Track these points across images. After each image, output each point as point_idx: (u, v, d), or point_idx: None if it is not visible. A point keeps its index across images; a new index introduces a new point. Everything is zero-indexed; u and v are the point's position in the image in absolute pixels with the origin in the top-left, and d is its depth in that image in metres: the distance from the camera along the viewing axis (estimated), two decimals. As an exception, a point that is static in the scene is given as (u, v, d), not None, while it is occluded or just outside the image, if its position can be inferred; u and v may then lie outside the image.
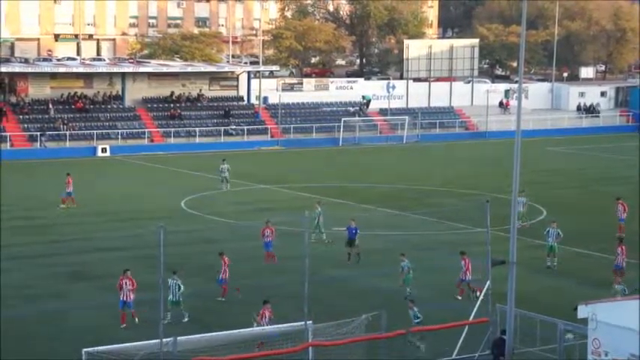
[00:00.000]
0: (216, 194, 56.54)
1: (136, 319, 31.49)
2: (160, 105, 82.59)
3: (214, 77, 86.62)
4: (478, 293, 34.07)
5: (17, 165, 65.91)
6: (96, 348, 25.23)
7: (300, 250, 37.52)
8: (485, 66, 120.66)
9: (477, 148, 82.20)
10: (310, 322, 26.84)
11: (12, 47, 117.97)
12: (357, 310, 29.02)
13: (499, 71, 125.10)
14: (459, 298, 35.13)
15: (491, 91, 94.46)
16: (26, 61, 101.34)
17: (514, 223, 28.59)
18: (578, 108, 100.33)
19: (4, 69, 79.91)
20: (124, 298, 31.73)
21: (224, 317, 32.28)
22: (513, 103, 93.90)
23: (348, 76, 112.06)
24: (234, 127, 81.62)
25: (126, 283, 31.78)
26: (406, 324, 28.33)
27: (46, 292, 32.76)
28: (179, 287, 32.09)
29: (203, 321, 30.96)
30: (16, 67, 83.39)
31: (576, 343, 27.42)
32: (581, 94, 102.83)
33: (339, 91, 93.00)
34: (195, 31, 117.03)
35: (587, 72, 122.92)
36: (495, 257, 29.30)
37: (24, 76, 79.50)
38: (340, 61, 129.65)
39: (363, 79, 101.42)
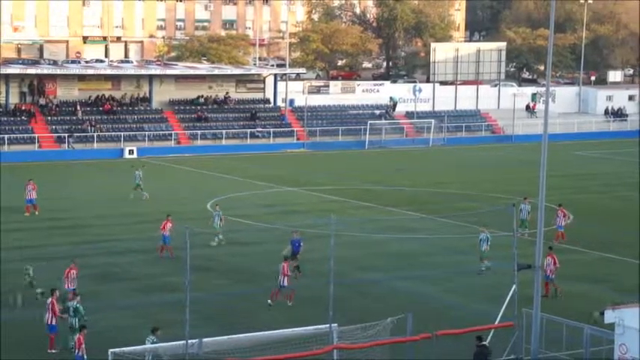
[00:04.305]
0: (243, 196, 56.62)
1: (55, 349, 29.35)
2: (187, 107, 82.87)
3: (241, 80, 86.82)
4: (289, 302, 34.14)
5: (45, 166, 66.32)
6: (122, 349, 25.38)
7: (325, 252, 37.67)
8: (512, 69, 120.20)
9: (504, 152, 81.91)
10: (335, 324, 26.87)
11: (41, 49, 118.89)
12: (383, 313, 29.01)
13: (526, 75, 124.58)
14: (290, 304, 34.19)
15: (518, 95, 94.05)
16: (55, 63, 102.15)
17: (541, 227, 28.54)
18: (606, 112, 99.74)
19: (33, 71, 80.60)
20: (52, 322, 29.23)
21: (249, 319, 32.34)
22: (540, 106, 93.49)
23: (375, 79, 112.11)
24: (260, 129, 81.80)
25: (53, 303, 29.23)
26: (432, 328, 28.26)
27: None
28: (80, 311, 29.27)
29: (228, 322, 31.03)
30: (45, 69, 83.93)
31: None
32: (609, 98, 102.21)
33: (366, 93, 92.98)
34: (223, 33, 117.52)
35: (615, 76, 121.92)
36: (521, 261, 29.25)
37: (52, 77, 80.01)
38: (367, 64, 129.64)
39: (389, 82, 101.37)
